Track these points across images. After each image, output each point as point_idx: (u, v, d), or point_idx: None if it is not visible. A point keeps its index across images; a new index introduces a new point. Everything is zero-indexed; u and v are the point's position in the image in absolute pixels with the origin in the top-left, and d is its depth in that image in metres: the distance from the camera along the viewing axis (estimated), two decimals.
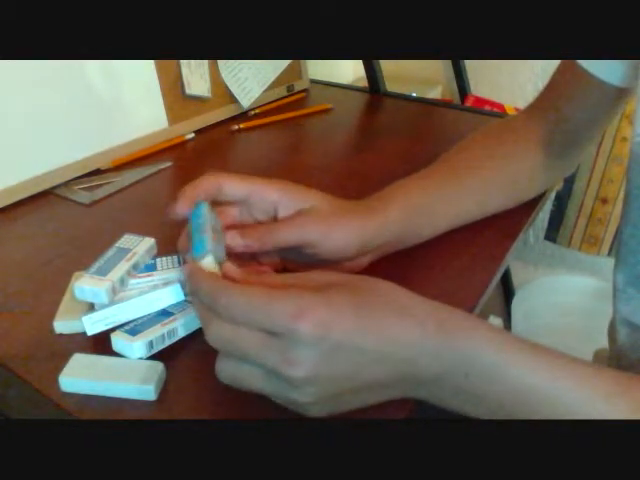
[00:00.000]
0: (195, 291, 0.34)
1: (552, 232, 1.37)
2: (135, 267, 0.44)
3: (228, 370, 0.33)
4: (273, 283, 0.33)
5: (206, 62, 0.78)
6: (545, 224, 1.38)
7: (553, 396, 0.30)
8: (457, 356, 0.31)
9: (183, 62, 0.75)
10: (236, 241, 0.39)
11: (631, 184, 0.44)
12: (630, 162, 0.44)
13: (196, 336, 0.41)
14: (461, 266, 0.50)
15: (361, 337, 0.31)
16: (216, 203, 0.42)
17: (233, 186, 0.41)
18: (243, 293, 0.31)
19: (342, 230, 0.41)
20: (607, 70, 0.49)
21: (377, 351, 0.31)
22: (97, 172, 0.68)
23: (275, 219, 0.42)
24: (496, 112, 1.11)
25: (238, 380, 0.33)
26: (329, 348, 0.30)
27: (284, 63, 0.90)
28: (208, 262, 0.35)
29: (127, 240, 0.46)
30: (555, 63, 0.56)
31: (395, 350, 0.31)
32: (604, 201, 1.27)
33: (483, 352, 0.31)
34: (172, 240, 0.49)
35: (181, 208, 0.39)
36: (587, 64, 0.50)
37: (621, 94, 0.51)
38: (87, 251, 0.50)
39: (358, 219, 0.43)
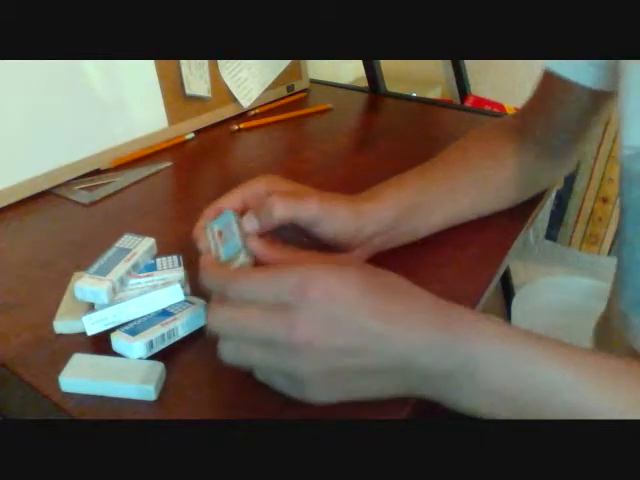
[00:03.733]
0: (206, 281, 0.35)
1: (552, 231, 1.37)
2: (135, 267, 0.44)
3: (230, 350, 0.34)
4: (292, 259, 0.35)
5: (206, 62, 0.78)
6: (545, 223, 1.38)
7: (560, 384, 0.30)
8: (464, 349, 0.31)
9: (183, 62, 0.75)
10: (253, 222, 0.40)
11: (625, 202, 0.43)
12: (621, 178, 0.43)
13: (196, 336, 0.41)
14: (461, 266, 0.50)
15: (366, 316, 0.31)
16: None
17: (227, 202, 0.43)
18: (250, 275, 0.33)
19: (338, 210, 0.42)
20: (576, 72, 0.49)
21: (380, 332, 0.31)
22: (97, 172, 0.68)
23: None
24: (496, 112, 1.11)
25: (239, 358, 0.34)
26: (332, 318, 0.31)
27: (284, 63, 0.90)
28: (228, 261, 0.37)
29: (127, 240, 0.46)
30: None
31: (400, 335, 0.31)
32: (604, 200, 1.27)
33: (489, 343, 0.31)
34: (172, 240, 0.50)
35: (202, 245, 0.41)
36: (558, 67, 0.50)
37: (599, 96, 0.50)
38: (87, 251, 0.50)
39: (351, 202, 0.44)
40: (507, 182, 0.54)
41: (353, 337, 0.31)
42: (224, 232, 0.40)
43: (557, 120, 0.54)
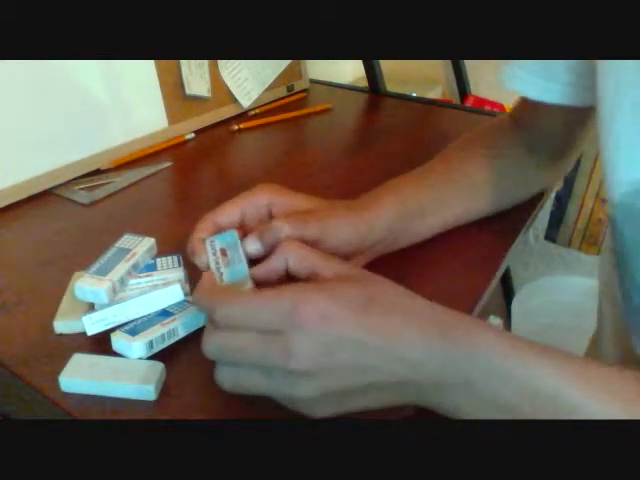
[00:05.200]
0: (197, 300, 0.34)
1: (552, 232, 1.37)
2: (135, 267, 0.44)
3: (228, 377, 0.33)
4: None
5: (206, 62, 0.78)
6: (545, 224, 1.38)
7: (560, 394, 0.29)
8: (463, 361, 0.30)
9: (183, 62, 0.75)
10: (257, 245, 0.40)
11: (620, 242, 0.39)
12: (622, 219, 0.38)
13: (196, 336, 0.41)
14: (461, 266, 0.50)
15: (363, 333, 0.31)
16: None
17: (225, 213, 0.42)
18: (242, 300, 0.32)
19: (340, 226, 0.42)
20: (541, 93, 0.48)
21: (380, 349, 0.31)
22: (97, 172, 0.67)
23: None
24: (496, 112, 1.11)
25: (239, 385, 0.33)
26: (329, 341, 0.30)
27: (284, 63, 0.90)
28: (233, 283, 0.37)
29: (127, 240, 0.46)
30: None
31: (398, 350, 0.31)
32: (604, 201, 1.27)
33: (490, 355, 0.30)
34: (172, 240, 0.49)
35: (201, 259, 0.40)
36: (524, 88, 0.50)
37: (581, 108, 0.49)
38: (87, 251, 0.50)
39: (351, 214, 0.43)
40: (505, 184, 0.54)
41: (352, 357, 0.31)
42: (228, 252, 0.39)
43: (546, 126, 0.54)
